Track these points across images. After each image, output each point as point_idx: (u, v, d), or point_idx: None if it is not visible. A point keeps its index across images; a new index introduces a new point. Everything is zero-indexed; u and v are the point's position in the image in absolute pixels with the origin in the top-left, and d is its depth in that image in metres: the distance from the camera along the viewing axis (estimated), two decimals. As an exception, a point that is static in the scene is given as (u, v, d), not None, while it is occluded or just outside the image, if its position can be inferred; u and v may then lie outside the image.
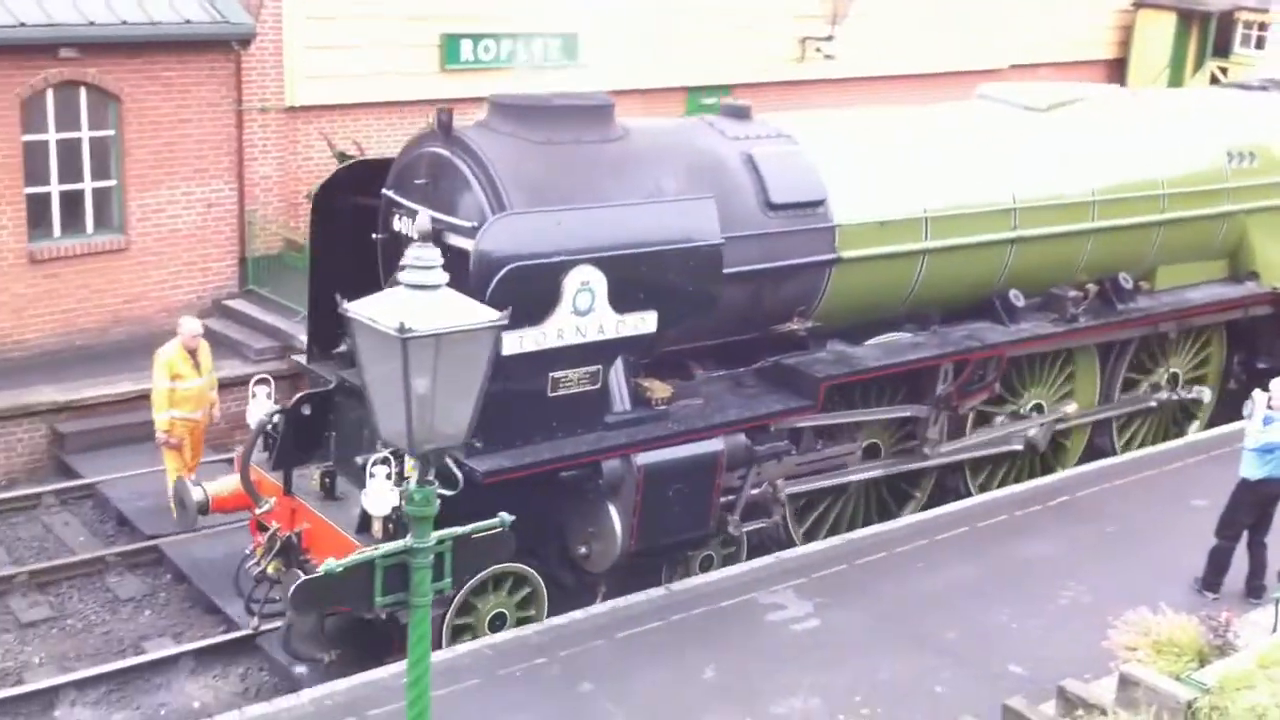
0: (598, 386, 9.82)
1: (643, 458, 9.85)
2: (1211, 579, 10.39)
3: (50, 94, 15.33)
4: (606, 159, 10.12)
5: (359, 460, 9.40)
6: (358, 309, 5.28)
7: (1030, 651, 9.53)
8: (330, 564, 5.50)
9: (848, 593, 10.38)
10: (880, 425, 11.90)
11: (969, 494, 12.72)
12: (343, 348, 10.93)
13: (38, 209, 15.42)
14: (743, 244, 10.49)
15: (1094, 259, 13.06)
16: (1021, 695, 8.56)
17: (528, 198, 9.54)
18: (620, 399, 10.02)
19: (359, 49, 17.75)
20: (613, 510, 9.89)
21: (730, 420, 10.35)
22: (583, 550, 10.12)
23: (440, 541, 5.56)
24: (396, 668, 8.82)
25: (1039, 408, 13.05)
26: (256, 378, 10.65)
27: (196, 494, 10.47)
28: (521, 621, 10.04)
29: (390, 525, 9.32)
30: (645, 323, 9.92)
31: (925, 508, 12.30)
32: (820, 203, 11.07)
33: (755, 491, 10.94)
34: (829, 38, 21.67)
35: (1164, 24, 26.35)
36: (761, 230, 10.70)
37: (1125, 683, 7.98)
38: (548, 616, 10.08)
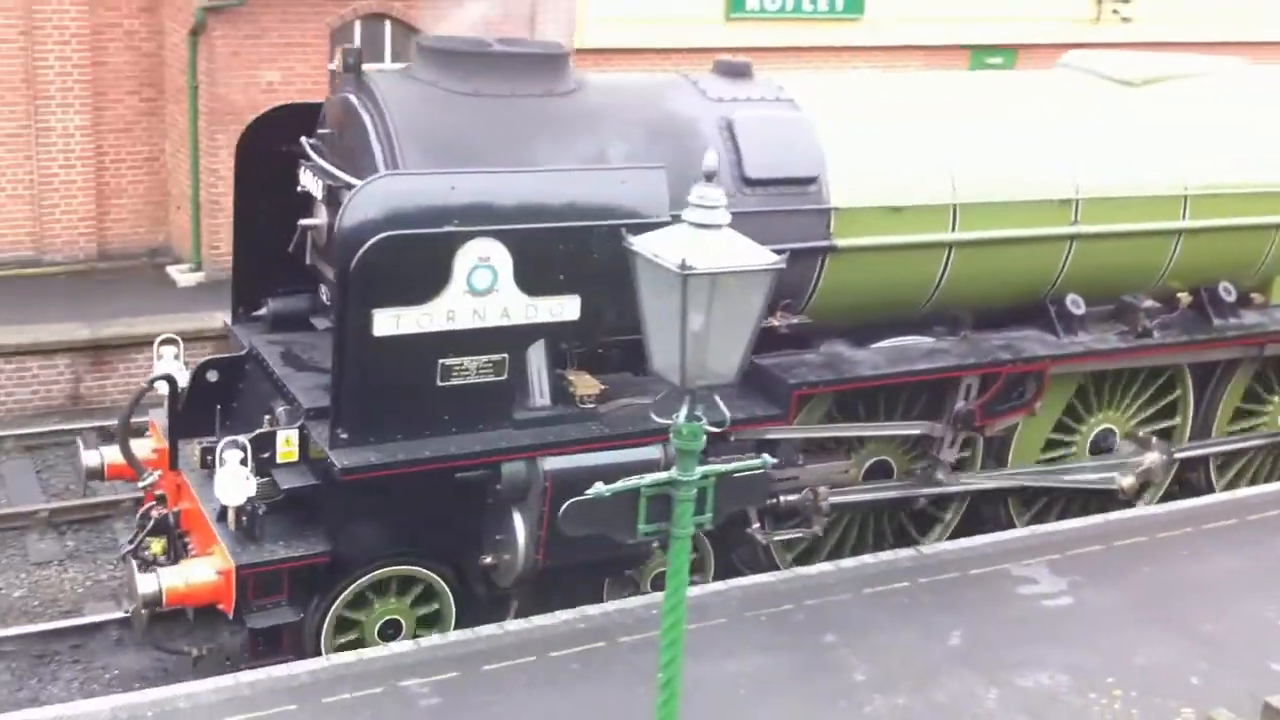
0: (503, 378, 8.54)
1: (552, 463, 8.54)
2: None
3: (358, 25, 15.87)
4: (544, 116, 8.77)
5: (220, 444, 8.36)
6: (640, 244, 5.62)
7: (1295, 651, 9.01)
8: (599, 488, 5.73)
9: (1104, 573, 9.95)
10: (887, 441, 10.26)
11: (1012, 526, 10.97)
12: (263, 310, 9.96)
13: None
14: (704, 223, 9.01)
15: (1185, 264, 11.01)
16: (1282, 694, 8.04)
17: (428, 157, 8.30)
18: (537, 393, 8.71)
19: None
20: (518, 520, 8.63)
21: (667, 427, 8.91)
22: (489, 560, 8.90)
23: (704, 477, 5.79)
24: (651, 599, 9.03)
25: (1106, 436, 11.14)
26: (162, 337, 9.68)
27: (90, 458, 9.63)
28: (423, 630, 8.92)
29: (244, 517, 8.31)
30: (565, 309, 8.58)
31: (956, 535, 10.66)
32: (811, 180, 9.46)
33: (793, 498, 9.61)
34: (1128, -3, 20.11)
35: None
36: (731, 209, 9.15)
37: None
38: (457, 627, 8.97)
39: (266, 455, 8.47)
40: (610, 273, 8.48)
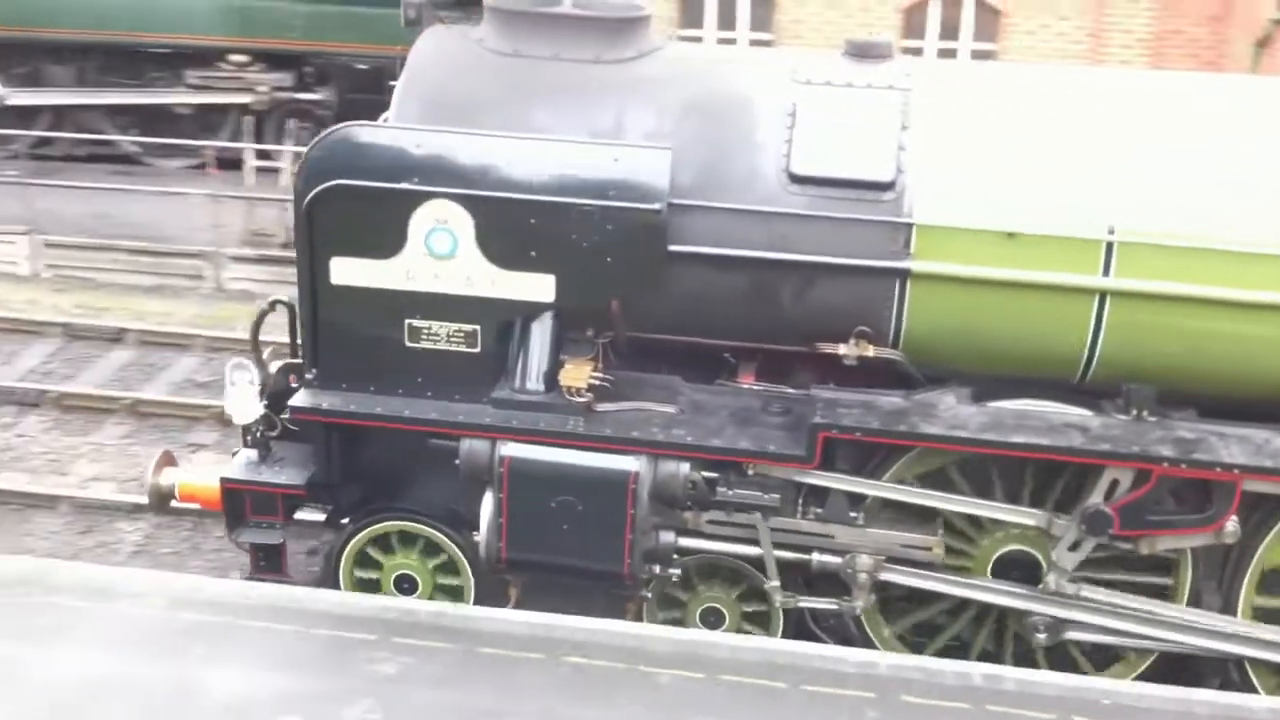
0: (477, 350, 8.15)
1: (510, 449, 8.03)
2: None
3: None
4: (575, 82, 8.12)
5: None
6: None
7: None
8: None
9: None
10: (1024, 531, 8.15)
11: (1244, 688, 8.20)
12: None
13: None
14: (730, 219, 7.83)
15: None
16: None
17: (425, 113, 8.11)
18: (531, 376, 8.19)
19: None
20: (488, 500, 8.25)
21: (649, 440, 7.93)
22: (475, 537, 8.58)
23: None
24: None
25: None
26: (234, 363, 8.88)
27: (164, 477, 8.97)
28: (445, 594, 8.87)
29: (249, 437, 8.83)
30: (538, 288, 7.97)
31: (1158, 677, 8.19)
32: (887, 185, 7.73)
33: (828, 560, 8.28)
34: None
35: None
36: (769, 207, 7.83)
37: None
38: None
39: (296, 386, 8.88)
40: (589, 256, 7.82)
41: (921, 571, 8.10)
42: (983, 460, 7.96)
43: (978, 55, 17.01)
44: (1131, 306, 7.66)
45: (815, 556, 8.15)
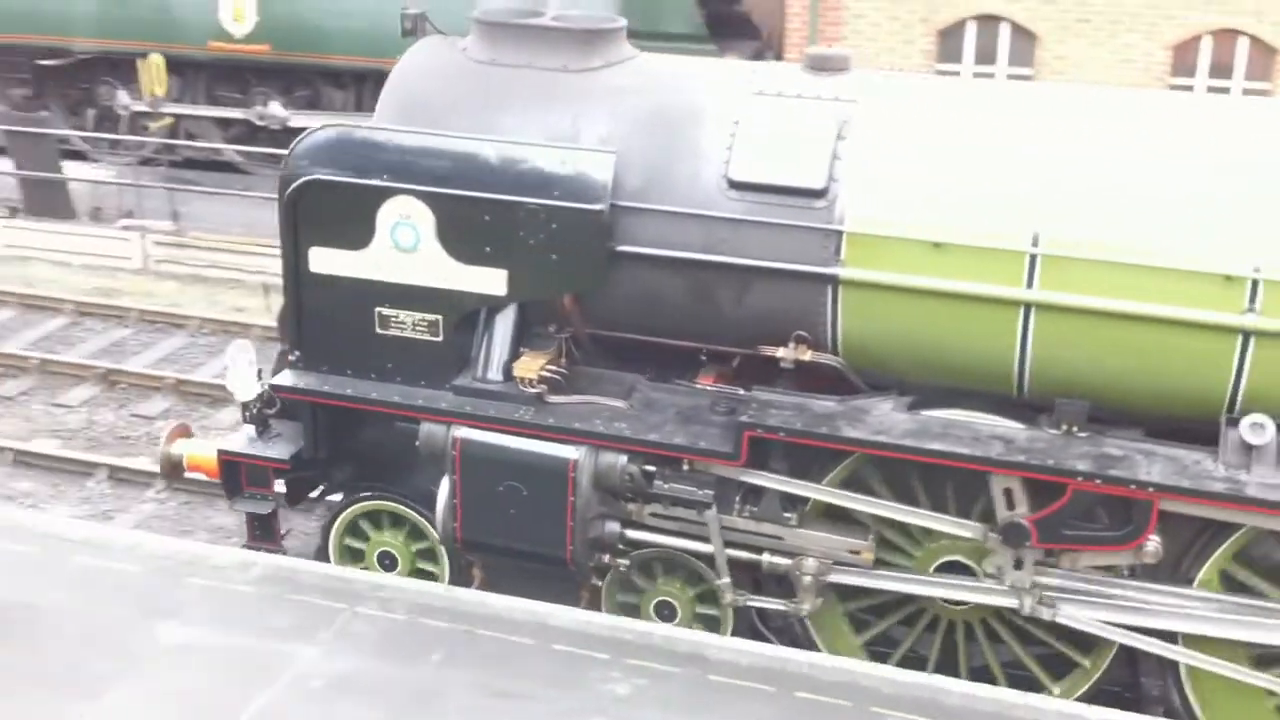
0: (439, 339, 8.65)
1: (462, 431, 8.50)
2: None
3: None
4: (539, 89, 8.56)
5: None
6: None
7: None
8: None
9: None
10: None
11: (1183, 710, 8.07)
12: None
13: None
14: (671, 222, 8.15)
15: None
16: None
17: (398, 115, 8.69)
18: (492, 367, 8.65)
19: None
20: (445, 482, 8.73)
21: (587, 431, 8.28)
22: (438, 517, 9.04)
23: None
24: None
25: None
26: (236, 344, 9.46)
27: (174, 447, 9.65)
28: (423, 578, 9.38)
29: (248, 412, 9.51)
30: (492, 282, 8.43)
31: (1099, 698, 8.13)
32: (819, 192, 7.92)
33: (779, 561, 8.54)
34: None
35: None
36: (708, 211, 8.10)
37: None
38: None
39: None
40: (537, 253, 8.27)
41: (869, 571, 8.22)
42: (904, 467, 8.06)
43: (1249, 94, 16.16)
44: (1056, 319, 7.67)
45: (766, 557, 8.36)
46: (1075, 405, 7.83)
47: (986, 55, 18.14)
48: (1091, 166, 7.72)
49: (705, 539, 8.45)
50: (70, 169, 19.54)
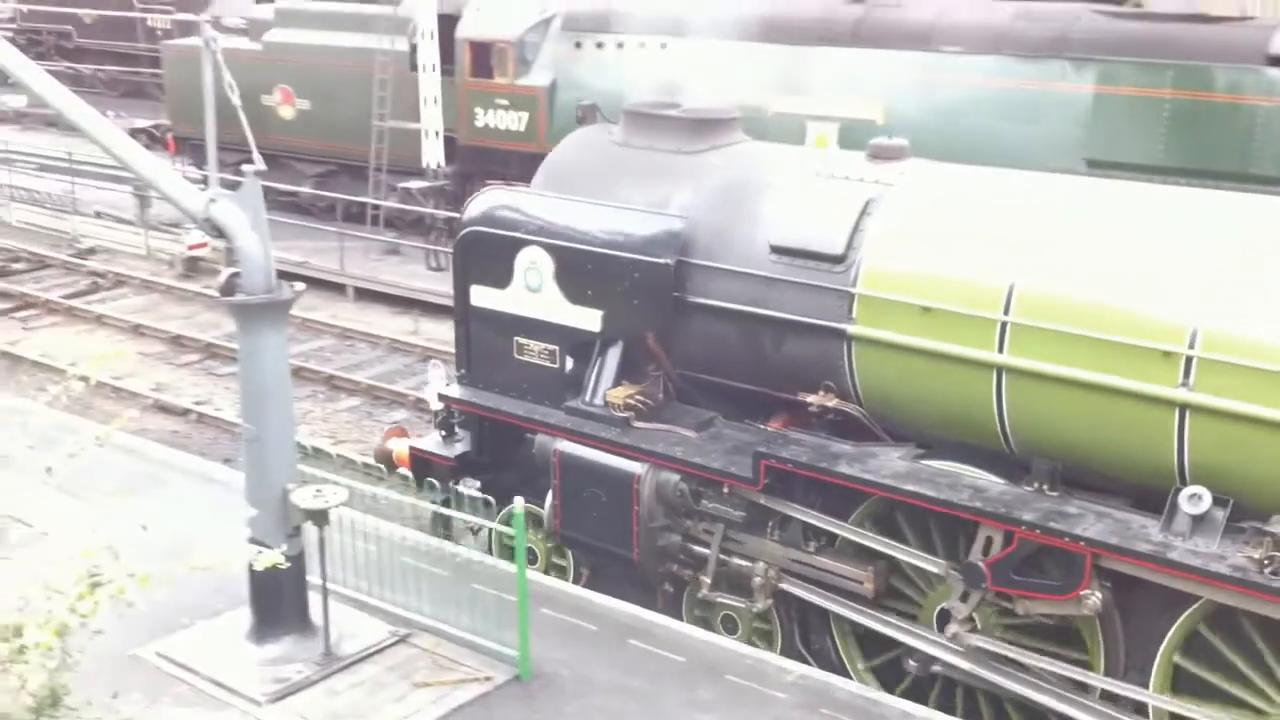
0: (555, 366, 10.47)
1: (561, 444, 10.26)
2: None
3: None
4: (652, 166, 10.31)
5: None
6: None
7: None
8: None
9: None
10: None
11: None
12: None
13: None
14: (729, 278, 9.62)
15: None
16: None
17: (546, 182, 10.72)
18: (591, 391, 10.34)
19: None
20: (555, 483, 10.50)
21: (650, 450, 9.77)
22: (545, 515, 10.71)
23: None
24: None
25: None
26: (432, 363, 12.30)
27: (395, 445, 11.65)
28: (554, 571, 11.17)
29: (437, 417, 11.69)
30: (591, 319, 10.17)
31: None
32: (839, 258, 9.08)
33: (738, 562, 9.73)
34: None
35: None
36: (756, 270, 9.47)
37: None
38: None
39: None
40: (623, 298, 10.04)
41: (813, 588, 9.23)
42: (892, 507, 8.99)
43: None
44: (1023, 383, 8.42)
45: (736, 561, 9.63)
46: (1046, 466, 8.51)
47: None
48: (1071, 250, 8.46)
49: (748, 557, 9.68)
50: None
